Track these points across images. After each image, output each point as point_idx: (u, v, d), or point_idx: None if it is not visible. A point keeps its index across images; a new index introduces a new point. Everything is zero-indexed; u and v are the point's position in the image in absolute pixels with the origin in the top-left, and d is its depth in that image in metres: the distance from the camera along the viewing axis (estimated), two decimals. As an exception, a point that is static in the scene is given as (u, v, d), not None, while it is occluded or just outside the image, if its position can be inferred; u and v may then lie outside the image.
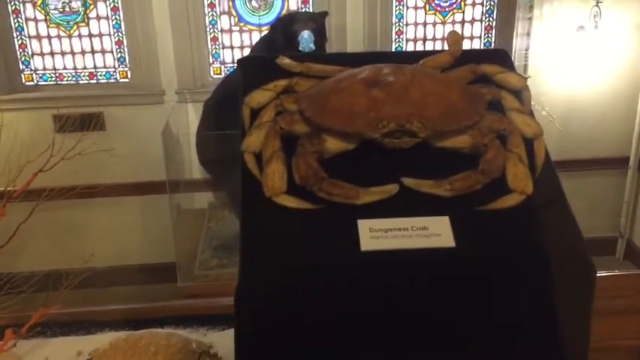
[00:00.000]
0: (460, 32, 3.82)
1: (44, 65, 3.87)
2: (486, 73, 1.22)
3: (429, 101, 1.10)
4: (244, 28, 3.85)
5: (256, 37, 3.83)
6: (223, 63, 3.95)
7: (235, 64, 3.85)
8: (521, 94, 1.21)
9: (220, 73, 3.93)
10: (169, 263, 3.70)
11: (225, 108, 2.84)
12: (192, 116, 3.89)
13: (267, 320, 1.00)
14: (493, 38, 3.90)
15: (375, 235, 1.03)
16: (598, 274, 1.09)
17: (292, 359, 1.03)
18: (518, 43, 3.77)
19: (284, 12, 3.77)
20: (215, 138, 3.34)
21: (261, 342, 1.01)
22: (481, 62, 1.23)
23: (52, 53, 3.85)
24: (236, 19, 3.82)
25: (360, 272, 1.01)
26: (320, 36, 3.21)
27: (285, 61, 1.25)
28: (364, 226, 1.03)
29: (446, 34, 3.80)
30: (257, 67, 1.29)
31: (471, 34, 3.90)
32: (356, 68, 1.18)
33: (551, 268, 1.05)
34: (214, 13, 3.81)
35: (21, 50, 3.81)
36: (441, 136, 1.11)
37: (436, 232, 1.04)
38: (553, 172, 1.14)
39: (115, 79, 3.95)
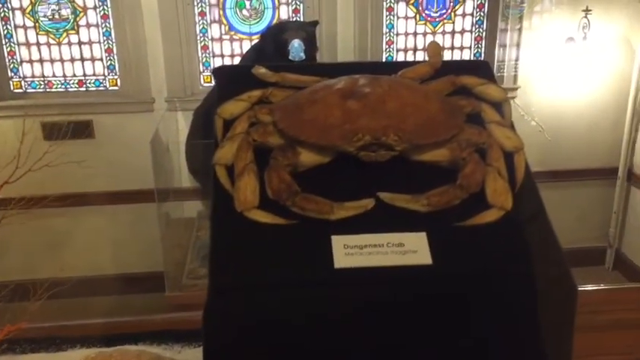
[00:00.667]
0: (450, 42, 3.82)
1: (33, 72, 3.84)
2: (466, 85, 1.20)
3: (406, 113, 1.07)
4: (235, 36, 3.83)
5: (247, 45, 3.81)
6: (214, 71, 3.92)
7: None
8: (501, 106, 1.18)
9: (210, 82, 3.91)
10: (157, 272, 3.67)
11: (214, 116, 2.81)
12: (182, 124, 3.86)
13: (235, 339, 0.96)
14: (483, 49, 3.90)
15: (350, 251, 0.99)
16: (583, 288, 1.06)
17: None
18: (507, 54, 3.78)
19: (275, 21, 3.76)
20: (204, 147, 3.31)
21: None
22: (461, 74, 1.21)
23: (41, 60, 3.82)
24: (227, 27, 3.81)
25: (333, 290, 0.97)
26: (310, 45, 3.20)
27: (260, 70, 1.22)
28: (338, 242, 1.00)
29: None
30: (232, 77, 1.26)
31: (461, 45, 3.90)
32: (332, 79, 1.15)
33: (531, 287, 1.02)
34: (205, 22, 3.79)
35: (9, 57, 3.78)
36: (419, 150, 1.08)
37: (413, 248, 1.00)
38: (534, 187, 1.11)
39: (105, 86, 3.92)
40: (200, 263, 3.68)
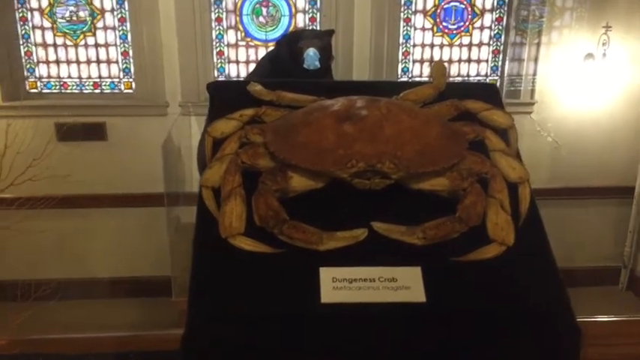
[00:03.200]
0: (467, 55, 3.76)
1: (49, 73, 3.85)
2: (470, 110, 1.13)
3: (404, 139, 1.01)
4: (250, 43, 3.80)
5: (262, 52, 3.78)
6: (228, 77, 3.91)
7: (240, 79, 3.82)
8: (507, 133, 1.11)
9: (225, 88, 3.87)
10: (165, 277, 3.65)
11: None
12: (195, 129, 3.84)
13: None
14: (500, 62, 3.83)
15: (338, 285, 0.94)
16: (593, 319, 0.99)
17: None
18: (525, 68, 3.70)
19: (291, 29, 3.72)
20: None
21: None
22: (466, 97, 1.14)
23: (57, 62, 3.83)
24: (242, 34, 3.78)
25: (318, 326, 0.92)
26: (326, 54, 3.16)
27: (255, 88, 1.17)
28: (326, 274, 0.95)
29: (453, 57, 3.77)
30: (226, 93, 1.21)
31: (478, 58, 3.83)
32: (329, 99, 1.10)
33: (532, 329, 0.96)
34: (221, 28, 3.77)
35: (26, 57, 3.80)
36: (417, 178, 1.02)
37: (406, 284, 0.94)
38: (538, 221, 1.05)
39: (119, 89, 3.92)
40: (208, 270, 3.68)
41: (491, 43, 3.83)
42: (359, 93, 1.12)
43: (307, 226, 0.97)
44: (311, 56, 3.09)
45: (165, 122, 3.80)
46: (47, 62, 3.81)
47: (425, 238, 0.97)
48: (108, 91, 3.92)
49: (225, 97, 1.20)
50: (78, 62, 3.84)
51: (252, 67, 3.80)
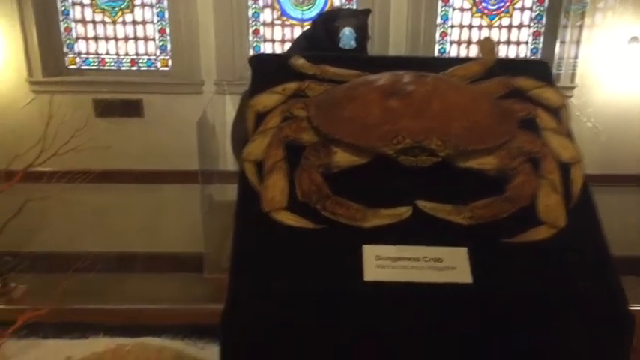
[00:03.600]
0: (507, 37, 3.65)
1: (88, 50, 3.89)
2: (521, 87, 1.09)
3: (452, 116, 0.98)
4: (286, 22, 3.77)
5: (298, 31, 3.75)
6: (265, 56, 3.89)
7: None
8: (559, 112, 1.07)
9: (260, 66, 3.86)
10: (197, 253, 3.70)
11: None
12: (229, 108, 3.85)
13: (253, 348, 0.91)
14: (540, 45, 3.72)
15: (382, 263, 0.92)
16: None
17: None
18: (566, 51, 3.58)
19: (327, 8, 3.68)
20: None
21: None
22: (516, 74, 1.10)
23: (95, 38, 3.87)
24: (279, 12, 3.75)
25: (360, 305, 0.90)
26: (362, 34, 3.12)
27: (298, 61, 1.15)
28: (370, 252, 0.92)
29: (492, 38, 3.67)
30: (268, 66, 1.19)
31: (518, 40, 3.72)
32: (374, 74, 1.07)
33: (582, 314, 0.92)
34: (257, 6, 3.75)
35: (66, 34, 3.85)
36: (464, 156, 0.99)
37: (451, 264, 0.92)
38: (590, 204, 1.00)
39: (156, 67, 3.95)
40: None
41: (531, 24, 3.72)
42: (404, 69, 1.09)
43: (351, 203, 0.95)
44: (347, 35, 3.06)
45: (200, 100, 3.82)
46: (86, 39, 3.85)
47: (472, 218, 0.94)
48: (145, 68, 3.95)
49: (267, 70, 1.18)
50: (116, 39, 3.87)
51: (287, 46, 3.78)
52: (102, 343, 1.30)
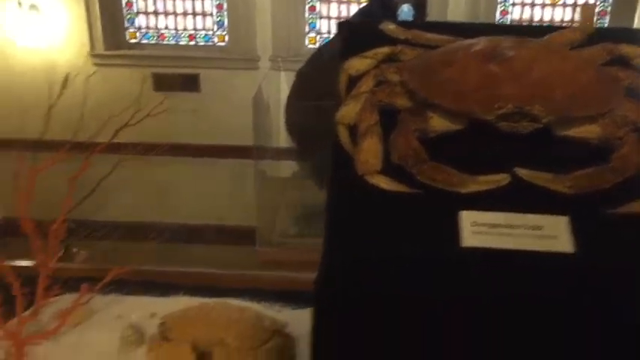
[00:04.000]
0: (570, 16, 3.51)
1: (147, 24, 3.95)
2: (625, 55, 1.04)
3: (554, 82, 0.94)
4: (343, -2, 3.75)
5: (354, 8, 3.72)
6: (319, 33, 3.87)
7: (331, 35, 3.77)
8: (667, 81, 1.02)
9: (315, 43, 3.86)
10: (249, 227, 3.74)
11: (317, 78, 2.78)
12: (284, 84, 3.85)
13: (346, 316, 0.90)
14: (606, 24, 3.57)
15: (479, 230, 0.90)
16: None
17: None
18: None
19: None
20: (304, 108, 3.29)
21: (340, 338, 0.92)
22: (617, 42, 1.05)
23: (155, 13, 3.92)
24: (336, -12, 3.72)
25: (456, 272, 0.89)
26: (420, 11, 3.08)
27: (389, 27, 1.13)
28: (467, 218, 0.91)
29: (555, 18, 3.54)
30: (358, 32, 1.18)
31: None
32: (469, 39, 1.04)
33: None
34: (315, -18, 3.73)
35: (127, 8, 3.91)
36: (566, 124, 0.96)
37: (552, 233, 0.89)
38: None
39: (213, 42, 3.98)
40: (292, 223, 3.73)
41: (597, 3, 3.57)
42: (495, 35, 1.06)
43: (448, 168, 0.93)
44: (405, 12, 3.02)
45: (256, 76, 3.84)
46: (146, 13, 3.91)
47: (573, 187, 0.91)
48: (202, 43, 3.99)
49: (357, 36, 1.16)
50: (175, 14, 3.92)
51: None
52: (183, 302, 1.34)
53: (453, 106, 0.96)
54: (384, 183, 0.94)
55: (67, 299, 1.26)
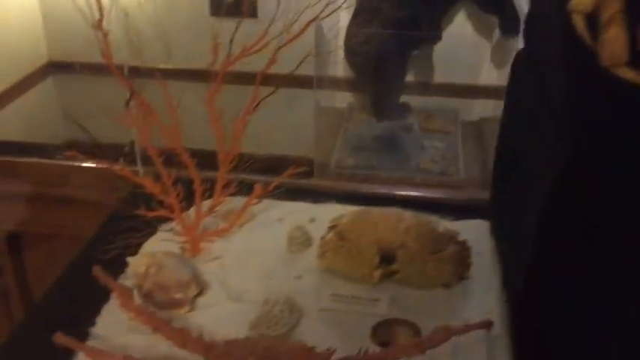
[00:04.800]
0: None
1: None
2: None
3: None
4: None
5: None
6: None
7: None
8: None
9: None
10: (305, 158, 3.69)
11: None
12: (343, 12, 3.71)
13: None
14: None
15: None
16: None
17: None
18: None
19: None
20: (366, 35, 3.19)
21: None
22: None
23: None
24: None
25: None
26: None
27: None
28: None
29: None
30: None
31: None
32: None
33: None
34: None
35: None
36: None
37: None
38: None
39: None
40: (348, 154, 3.68)
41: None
42: None
43: None
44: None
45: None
46: None
47: None
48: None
49: None
50: None
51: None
52: (338, 209, 1.32)
53: None
54: (633, 76, 0.87)
55: (234, 201, 1.26)
